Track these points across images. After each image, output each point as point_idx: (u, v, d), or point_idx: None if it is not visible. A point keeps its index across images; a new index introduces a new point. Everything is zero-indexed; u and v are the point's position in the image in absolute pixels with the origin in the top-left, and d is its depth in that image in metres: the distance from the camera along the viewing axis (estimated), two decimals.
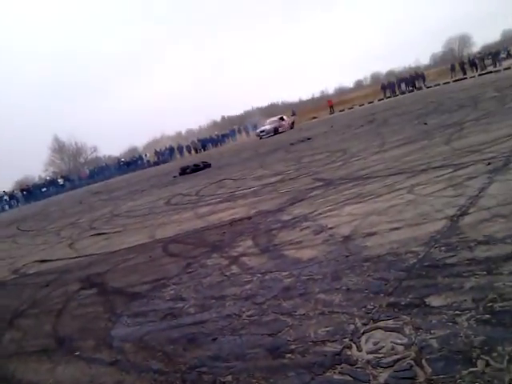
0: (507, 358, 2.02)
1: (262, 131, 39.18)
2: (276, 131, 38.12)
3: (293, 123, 42.25)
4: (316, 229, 5.14)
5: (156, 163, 47.87)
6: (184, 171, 20.80)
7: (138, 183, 24.04)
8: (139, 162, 50.03)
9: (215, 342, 3.10)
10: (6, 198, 44.14)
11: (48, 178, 50.81)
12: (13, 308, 5.50)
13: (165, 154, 50.33)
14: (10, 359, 3.90)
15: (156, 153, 51.17)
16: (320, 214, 5.79)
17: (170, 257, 5.91)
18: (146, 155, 52.75)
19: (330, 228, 5.00)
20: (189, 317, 3.69)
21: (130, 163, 49.84)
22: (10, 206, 43.12)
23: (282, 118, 41.26)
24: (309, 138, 19.73)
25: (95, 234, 9.81)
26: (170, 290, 4.51)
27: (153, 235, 7.74)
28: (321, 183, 8.02)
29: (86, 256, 7.60)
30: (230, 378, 2.58)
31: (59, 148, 61.72)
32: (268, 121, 42.12)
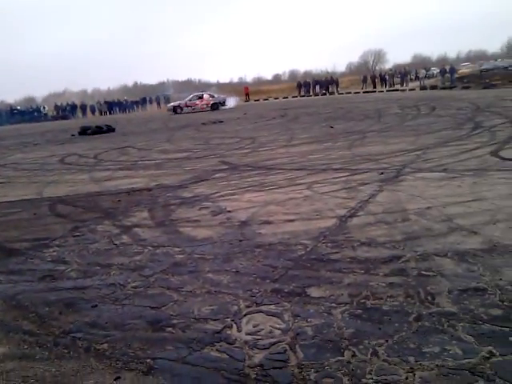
0: (371, 350, 2.22)
1: (174, 106, 34.18)
2: (179, 108, 33.39)
3: (214, 104, 34.40)
4: (215, 210, 5.18)
5: (55, 118, 44.47)
6: (84, 131, 19.60)
7: (32, 136, 22.24)
8: (36, 113, 46.20)
9: (95, 309, 3.00)
10: None
11: None
12: None
13: (66, 109, 47.00)
14: None
15: (56, 107, 47.53)
16: (221, 196, 5.83)
17: (56, 217, 5.58)
18: (44, 108, 48.73)
19: (229, 211, 5.07)
20: (69, 281, 3.53)
21: (25, 113, 45.90)
22: None
23: (198, 97, 35.29)
24: (221, 121, 19.69)
25: None
26: (51, 251, 4.27)
27: (40, 192, 7.23)
28: (226, 166, 8.07)
29: None
30: (105, 346, 2.52)
31: None
32: (188, 96, 36.55)
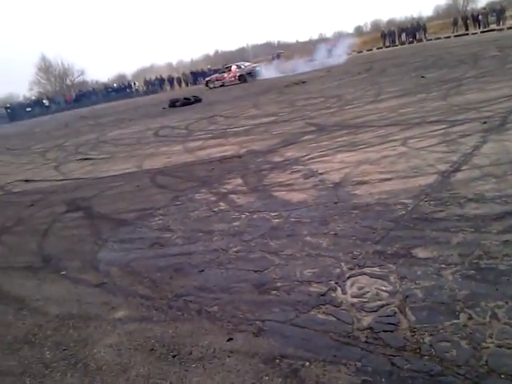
0: (490, 313, 2.09)
1: (207, 80, 32.95)
2: (211, 83, 31.71)
3: (241, 76, 31.01)
4: (306, 173, 5.13)
5: (145, 93, 46.66)
6: (174, 104, 20.31)
7: (126, 112, 23.51)
8: (128, 90, 48.68)
9: (202, 273, 3.15)
10: None
11: (33, 97, 49.40)
12: None
13: (154, 84, 48.93)
14: None
15: (145, 82, 49.66)
16: (311, 158, 5.76)
17: (157, 188, 5.89)
18: (134, 83, 51.16)
19: (321, 173, 5.00)
20: (176, 247, 3.73)
21: (119, 90, 48.46)
22: None
23: (227, 69, 32.07)
24: (303, 82, 19.33)
25: (81, 159, 9.68)
26: (157, 219, 4.53)
27: (140, 165, 7.66)
28: (314, 128, 7.93)
29: (72, 179, 7.54)
30: (215, 308, 2.64)
31: (45, 67, 59.43)
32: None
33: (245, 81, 30.03)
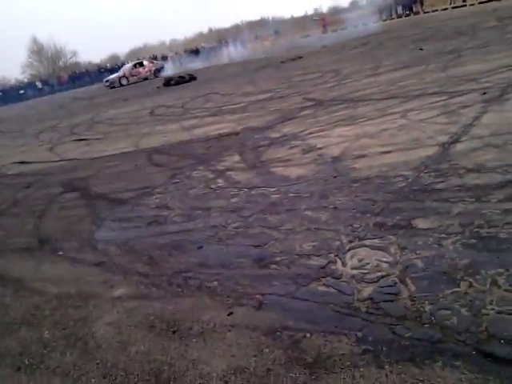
0: (490, 280, 2.08)
1: (107, 81, 31.54)
2: (120, 82, 30.44)
3: (156, 70, 32.23)
4: (305, 148, 5.08)
5: None
6: (168, 82, 20.10)
7: (120, 92, 23.26)
8: None
9: (201, 249, 3.13)
10: None
11: (26, 80, 48.86)
12: None
13: None
14: None
15: None
16: (309, 133, 5.70)
17: (154, 166, 5.84)
18: (127, 63, 50.64)
19: (319, 148, 4.95)
20: (174, 225, 3.70)
21: (112, 71, 47.87)
22: None
23: (139, 64, 32.13)
24: (300, 57, 19.09)
25: (76, 140, 9.60)
26: (154, 198, 4.49)
27: (136, 144, 7.59)
28: (311, 103, 7.84)
29: (68, 160, 7.48)
30: (215, 283, 2.63)
31: (38, 50, 58.51)
32: (123, 68, 33.51)
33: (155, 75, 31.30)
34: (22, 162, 8.16)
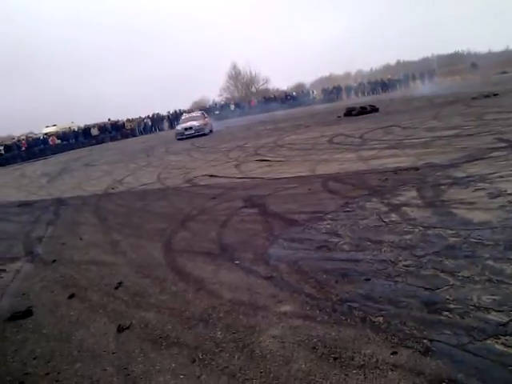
0: None
1: (184, 129, 24.06)
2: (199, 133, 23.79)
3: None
4: (493, 192, 4.65)
5: (322, 101, 47.66)
6: (349, 112, 20.34)
7: (302, 118, 24.32)
8: (305, 98, 50.34)
9: (368, 282, 3.10)
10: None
11: (222, 102, 54.42)
12: (185, 212, 6.20)
13: (332, 92, 49.78)
14: (182, 254, 4.44)
15: (323, 90, 50.82)
16: (500, 177, 5.20)
17: (328, 193, 5.97)
18: (312, 92, 52.72)
19: (510, 194, 4.48)
20: (343, 253, 3.74)
21: (297, 98, 50.40)
22: None
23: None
24: (495, 94, 17.55)
25: (259, 160, 10.32)
26: (326, 223, 4.59)
27: (313, 169, 7.85)
28: (505, 144, 7.14)
29: (250, 178, 8.10)
30: (381, 319, 2.58)
31: (235, 75, 65.03)
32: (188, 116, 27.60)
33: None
34: (211, 175, 9.11)
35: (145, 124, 42.36)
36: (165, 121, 43.40)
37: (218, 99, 59.21)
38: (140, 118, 42.71)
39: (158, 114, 43.96)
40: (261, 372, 2.29)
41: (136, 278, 4.03)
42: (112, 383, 2.45)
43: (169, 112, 44.08)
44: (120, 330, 3.04)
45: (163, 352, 2.68)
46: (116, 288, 3.83)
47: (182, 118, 28.52)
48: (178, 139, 23.51)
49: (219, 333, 2.78)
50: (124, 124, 41.22)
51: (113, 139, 37.89)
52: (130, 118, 42.06)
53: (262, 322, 2.81)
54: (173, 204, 7.09)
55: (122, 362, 2.65)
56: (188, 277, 3.81)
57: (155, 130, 42.05)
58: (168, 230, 5.41)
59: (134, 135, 39.63)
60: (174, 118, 40.82)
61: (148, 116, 43.10)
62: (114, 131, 39.97)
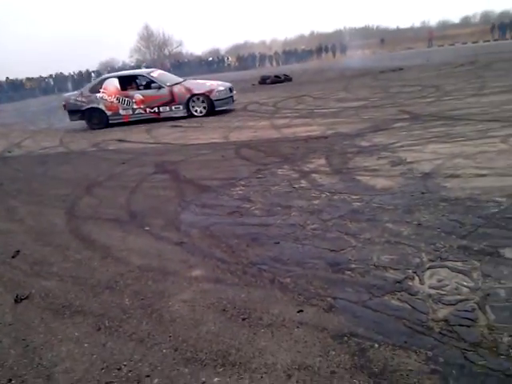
0: None
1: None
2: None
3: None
4: (394, 160, 4.97)
5: (237, 68, 47.30)
6: (264, 81, 20.41)
7: None
8: (220, 64, 49.65)
9: (277, 245, 3.20)
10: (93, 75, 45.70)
11: (132, 63, 51.95)
12: (91, 177, 5.92)
13: (247, 60, 49.57)
14: (86, 221, 4.26)
15: (238, 58, 50.44)
16: (401, 146, 5.56)
17: (241, 159, 6.01)
18: (227, 58, 52.09)
19: (410, 162, 4.82)
20: (254, 218, 3.81)
21: (211, 64, 49.58)
22: None
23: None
24: (400, 69, 18.56)
25: (172, 126, 10.09)
26: (238, 190, 4.64)
27: (227, 136, 7.84)
28: (407, 116, 7.63)
29: (162, 144, 7.91)
30: (288, 280, 2.69)
31: (147, 36, 62.14)
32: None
33: None
34: (120, 140, 8.76)
35: (46, 84, 39.32)
36: (69, 81, 40.49)
37: (128, 60, 56.56)
38: (41, 77, 39.55)
39: (61, 73, 40.94)
40: (169, 336, 2.29)
41: (36, 246, 3.81)
42: (9, 355, 2.31)
43: (74, 72, 41.21)
44: (18, 300, 2.87)
45: (66, 321, 2.57)
46: (13, 257, 3.60)
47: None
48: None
49: (127, 299, 2.72)
50: (23, 82, 37.94)
51: (10, 100, 34.73)
52: (30, 76, 38.83)
53: (172, 287, 2.80)
54: (77, 169, 6.75)
55: (20, 333, 2.51)
56: (93, 244, 3.67)
57: (58, 91, 39.23)
58: (72, 196, 5.15)
59: (35, 96, 36.64)
60: (81, 79, 38.26)
61: (50, 75, 40.01)
62: (11, 91, 36.65)
